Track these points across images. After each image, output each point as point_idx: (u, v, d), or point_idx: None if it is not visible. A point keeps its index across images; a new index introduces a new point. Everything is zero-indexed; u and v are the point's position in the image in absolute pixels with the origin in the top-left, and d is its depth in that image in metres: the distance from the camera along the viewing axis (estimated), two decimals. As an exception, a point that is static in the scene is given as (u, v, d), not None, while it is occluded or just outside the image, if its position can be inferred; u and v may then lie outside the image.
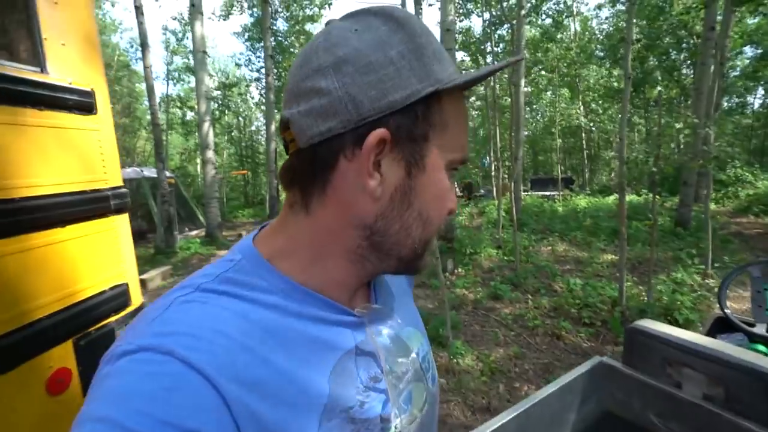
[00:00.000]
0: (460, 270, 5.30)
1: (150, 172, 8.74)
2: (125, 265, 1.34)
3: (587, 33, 16.60)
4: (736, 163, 11.85)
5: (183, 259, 6.73)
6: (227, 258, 0.39)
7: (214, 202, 8.36)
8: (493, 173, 12.43)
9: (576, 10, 16.07)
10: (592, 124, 16.71)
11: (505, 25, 9.66)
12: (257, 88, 15.88)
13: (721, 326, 1.83)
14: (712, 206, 6.43)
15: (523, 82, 9.65)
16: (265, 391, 0.32)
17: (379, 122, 0.34)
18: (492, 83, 8.78)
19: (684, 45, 13.01)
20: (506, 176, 11.43)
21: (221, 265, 0.38)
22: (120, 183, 1.36)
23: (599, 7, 17.51)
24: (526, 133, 16.83)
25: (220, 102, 16.28)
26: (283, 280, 0.37)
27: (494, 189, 12.49)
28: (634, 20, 13.16)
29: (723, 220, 8.02)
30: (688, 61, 13.94)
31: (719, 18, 6.51)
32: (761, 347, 1.62)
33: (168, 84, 17.14)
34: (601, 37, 15.78)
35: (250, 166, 17.29)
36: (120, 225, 1.34)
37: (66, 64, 1.19)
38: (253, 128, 19.38)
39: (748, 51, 16.11)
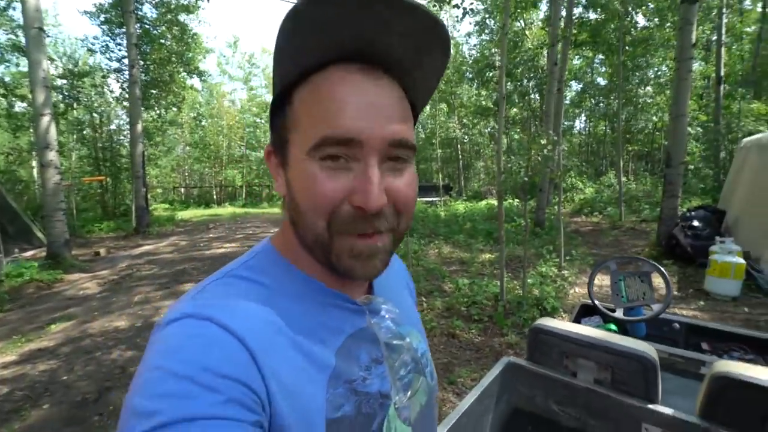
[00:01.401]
0: (358, 278, 5.30)
1: (-43, 177, 6.69)
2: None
3: (458, 56, 18.61)
4: (572, 173, 14.65)
5: (12, 290, 5.26)
6: (250, 251, 0.47)
7: (59, 214, 6.80)
8: (382, 181, 12.88)
9: (452, 33, 17.89)
10: (465, 137, 18.74)
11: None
12: (118, 81, 13.47)
13: (586, 311, 2.17)
14: (556, 209, 7.80)
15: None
16: (283, 355, 0.38)
17: None
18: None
19: (533, 75, 15.70)
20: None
21: (246, 256, 0.46)
22: None
23: (468, 34, 19.86)
24: (410, 143, 17.92)
25: (66, 93, 13.39)
26: (291, 269, 0.45)
27: (384, 196, 12.95)
28: (496, 50, 15.29)
29: (565, 220, 9.75)
30: (535, 89, 16.87)
31: (559, 57, 8.00)
32: (612, 326, 1.97)
33: (-15, 65, 13.43)
34: (470, 61, 17.93)
35: (110, 171, 14.58)
36: None
37: None
38: (113, 127, 16.41)
39: (574, 85, 20.32)
